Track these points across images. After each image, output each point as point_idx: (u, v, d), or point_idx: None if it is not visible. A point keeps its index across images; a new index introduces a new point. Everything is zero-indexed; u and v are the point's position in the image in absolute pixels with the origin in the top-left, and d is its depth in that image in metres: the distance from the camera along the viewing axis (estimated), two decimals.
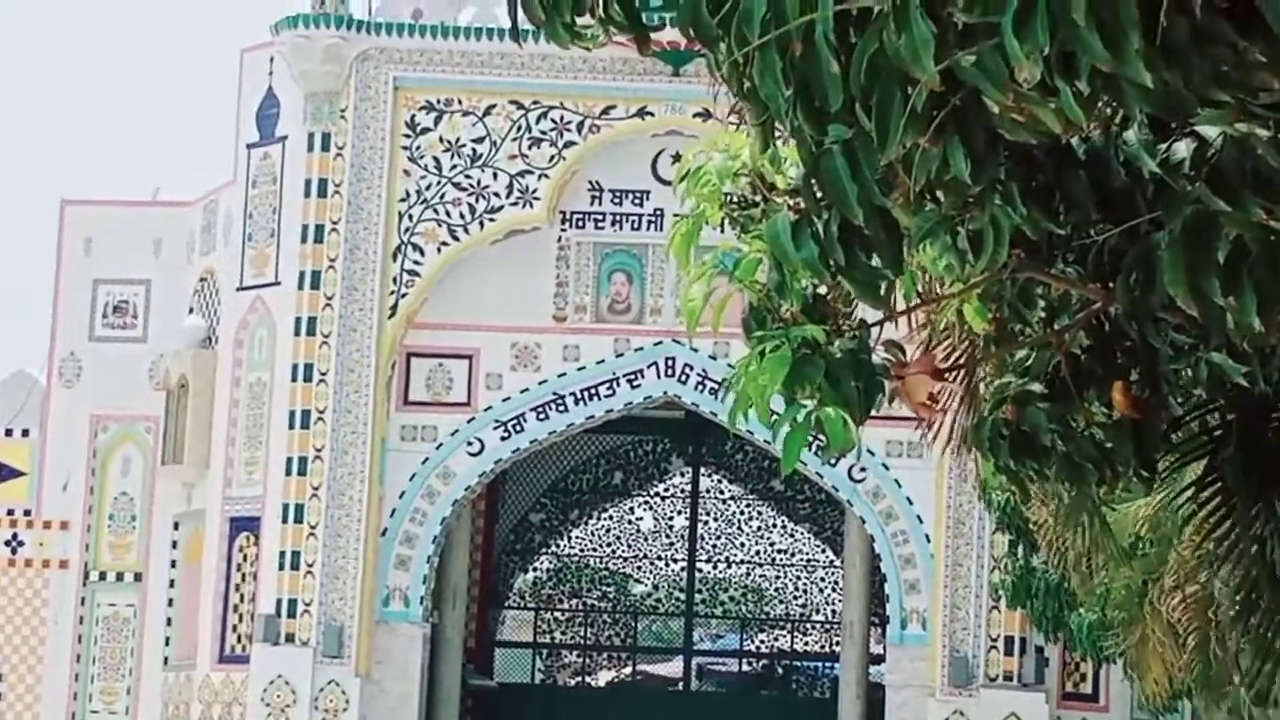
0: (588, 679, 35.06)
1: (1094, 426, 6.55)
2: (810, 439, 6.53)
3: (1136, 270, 5.00)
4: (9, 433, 32.87)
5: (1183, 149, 4.67)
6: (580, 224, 28.24)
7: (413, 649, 28.21)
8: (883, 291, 5.72)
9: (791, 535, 33.85)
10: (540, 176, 27.97)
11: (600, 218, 28.26)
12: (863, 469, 26.23)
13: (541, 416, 28.17)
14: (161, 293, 31.77)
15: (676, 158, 25.43)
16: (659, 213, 27.05)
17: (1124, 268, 5.11)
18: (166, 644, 30.76)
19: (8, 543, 32.52)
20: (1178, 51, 3.60)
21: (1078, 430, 6.54)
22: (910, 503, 27.04)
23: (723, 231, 6.82)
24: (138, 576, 31.69)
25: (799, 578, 34.27)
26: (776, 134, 4.91)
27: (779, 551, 34.18)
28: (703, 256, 6.87)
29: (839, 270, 5.21)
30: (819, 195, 4.78)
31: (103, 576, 32.08)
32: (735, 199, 6.67)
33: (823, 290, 6.32)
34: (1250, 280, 4.70)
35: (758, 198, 6.33)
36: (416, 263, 28.08)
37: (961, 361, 6.89)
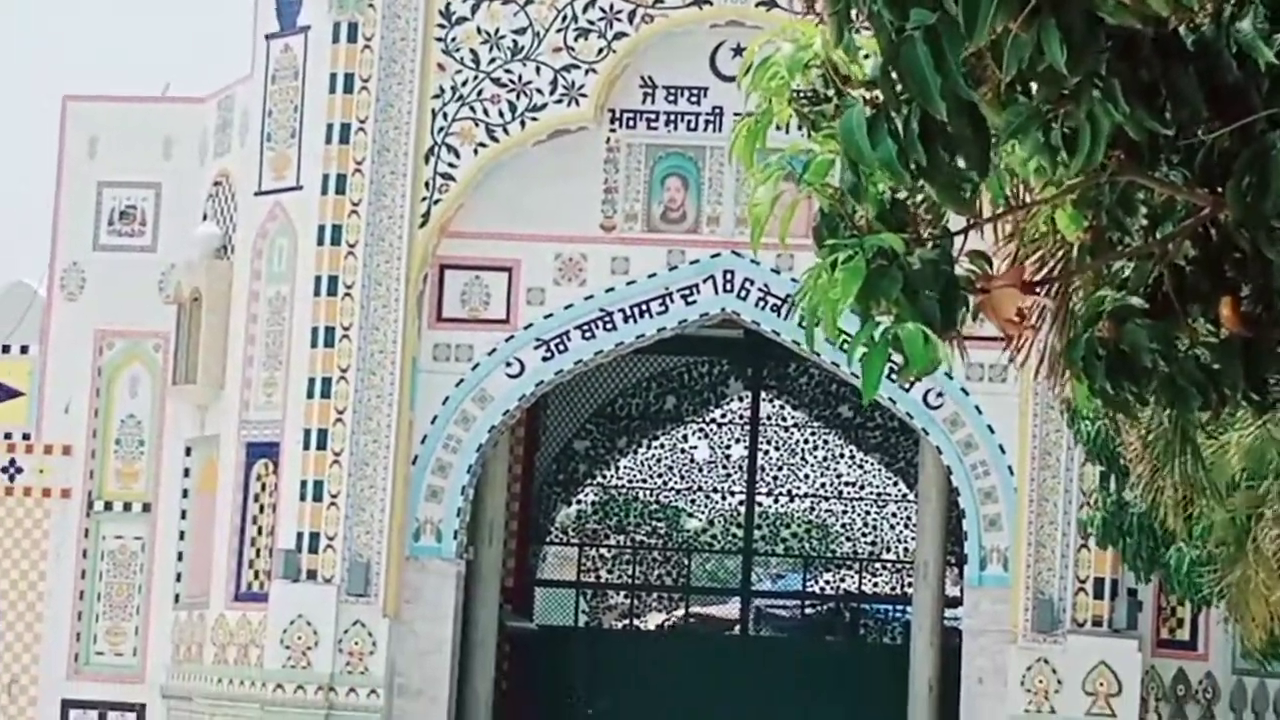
0: (636, 621, 35.07)
1: (1199, 346, 6.53)
2: (886, 360, 6.52)
3: (1250, 174, 4.99)
4: (6, 349, 33.02)
5: None
6: (631, 124, 28.17)
7: (445, 588, 28.29)
8: (968, 195, 5.72)
9: (860, 466, 33.80)
10: (587, 71, 27.93)
11: (653, 117, 28.16)
12: (940, 394, 26.23)
13: (587, 335, 28.14)
14: (172, 198, 31.83)
15: (739, 50, 25.48)
16: (718, 111, 27.00)
17: (1236, 171, 5.09)
18: (177, 580, 30.92)
19: (4, 469, 32.67)
20: None
21: (1181, 350, 6.52)
22: (991, 431, 26.98)
23: (790, 132, 6.81)
24: (146, 507, 31.84)
25: (868, 513, 34.24)
26: (852, 21, 4.89)
27: (846, 484, 34.15)
28: (768, 159, 6.86)
29: (920, 171, 5.20)
30: (898, 88, 4.78)
31: (108, 506, 32.23)
32: (805, 94, 6.65)
33: (901, 195, 6.31)
34: None
35: (830, 92, 6.31)
36: (451, 166, 28.07)
37: (1054, 274, 6.85)
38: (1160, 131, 4.96)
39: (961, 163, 5.18)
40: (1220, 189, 5.27)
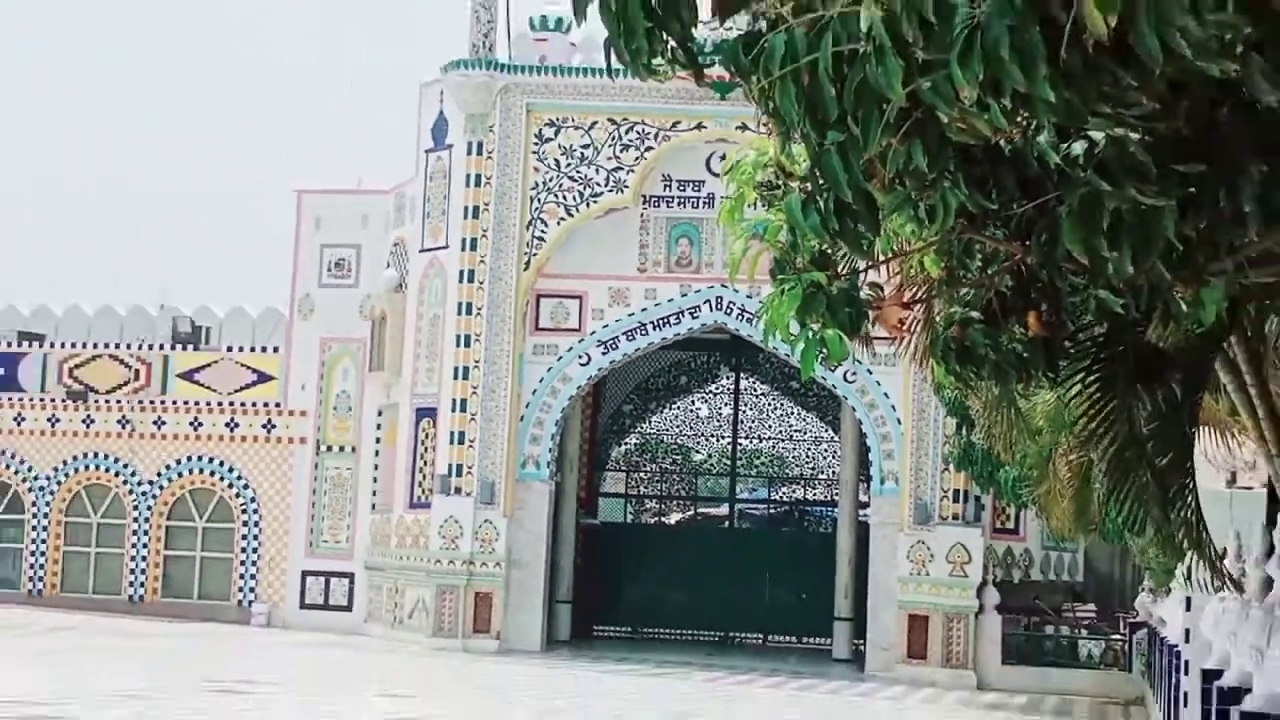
0: (662, 519, 35.21)
1: (1015, 343, 6.54)
2: (817, 352, 6.54)
3: (1045, 233, 4.98)
4: (265, 349, 33.18)
5: (1078, 147, 4.63)
6: (656, 204, 28.28)
7: (542, 499, 28.40)
8: (866, 248, 5.71)
9: (804, 419, 33.86)
10: (628, 171, 27.99)
11: (670, 199, 28.31)
12: (853, 373, 26.22)
13: (630, 338, 28.26)
14: (368, 253, 32.13)
15: (723, 157, 25.41)
16: (711, 195, 26.97)
17: (1036, 232, 5.09)
18: (373, 495, 31.12)
19: (264, 426, 32.88)
20: (1074, 77, 3.57)
21: (1003, 346, 6.52)
22: (887, 397, 27.08)
23: (755, 207, 6.85)
24: (353, 449, 31.99)
25: (809, 449, 34.28)
26: (791, 139, 4.91)
27: (795, 431, 34.21)
28: (742, 224, 6.91)
29: (835, 234, 5.20)
30: (821, 181, 4.79)
31: (329, 449, 32.39)
32: (764, 184, 6.69)
33: (825, 248, 6.32)
34: (1126, 240, 4.69)
35: (779, 183, 6.34)
36: (542, 232, 28.19)
37: (921, 297, 6.87)
38: (988, 207, 4.95)
39: (862, 228, 5.17)
40: (1027, 243, 5.26)
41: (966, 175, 4.68)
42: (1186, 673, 12.90)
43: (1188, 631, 13.42)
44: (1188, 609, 13.80)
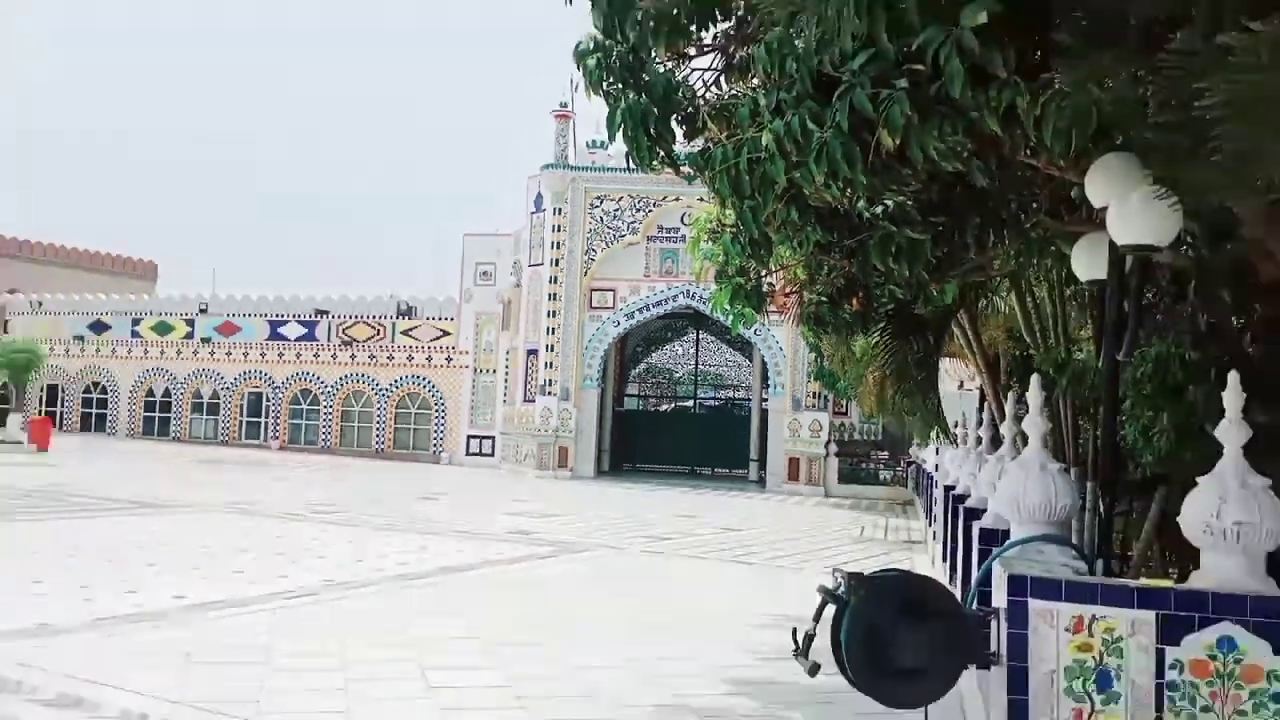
0: (657, 408, 35.09)
1: (846, 314, 6.57)
2: (740, 320, 6.57)
3: (862, 255, 5.02)
4: (446, 318, 33.13)
5: (879, 209, 4.67)
6: (654, 240, 28.09)
7: (594, 397, 28.37)
8: (765, 262, 5.76)
9: (733, 355, 33.70)
10: (639, 223, 27.87)
11: (662, 238, 28.08)
12: (759, 330, 26.20)
13: (641, 312, 28.19)
14: (500, 267, 31.95)
15: (690, 215, 25.42)
16: (683, 236, 26.87)
17: (858, 254, 5.12)
18: (504, 395, 31.13)
19: (446, 359, 32.88)
20: (876, 170, 3.62)
21: (840, 315, 6.55)
22: (777, 341, 26.97)
23: (706, 242, 6.84)
24: (493, 371, 32.02)
25: (735, 370, 34.17)
26: (726, 205, 4.94)
27: (728, 361, 34.10)
28: (700, 252, 6.90)
29: (750, 255, 5.26)
30: (741, 227, 4.82)
31: (481, 371, 32.40)
32: (711, 230, 6.69)
33: (744, 264, 6.35)
34: (904, 258, 4.72)
35: (720, 229, 6.37)
36: (593, 256, 28.08)
37: (795, 290, 6.91)
38: (831, 240, 5.00)
39: (763, 253, 5.23)
40: (852, 259, 5.31)
41: (819, 224, 4.76)
42: (936, 486, 13.04)
43: (937, 465, 13.55)
44: (936, 454, 13.94)
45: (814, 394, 26.91)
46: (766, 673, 6.86)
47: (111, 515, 14.39)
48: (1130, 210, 3.74)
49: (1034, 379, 4.53)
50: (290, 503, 17.20)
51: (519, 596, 9.53)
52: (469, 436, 32.38)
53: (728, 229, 5.85)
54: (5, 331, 37.42)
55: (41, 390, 37.18)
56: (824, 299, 6.43)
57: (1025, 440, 4.54)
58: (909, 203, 4.65)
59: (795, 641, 3.76)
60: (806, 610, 4.19)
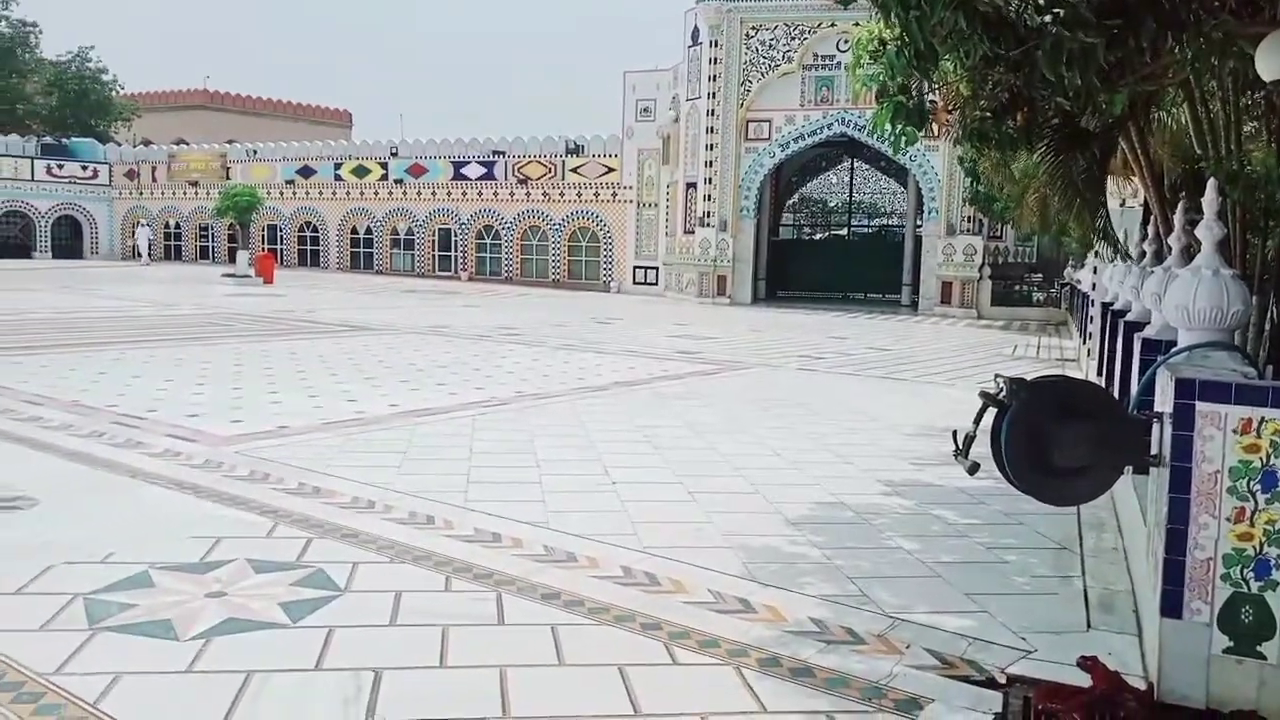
0: (811, 236, 34.27)
1: (1009, 130, 6.18)
2: (903, 139, 6.27)
3: (1029, 66, 4.64)
4: (611, 155, 32.90)
5: (1048, 17, 4.28)
6: (810, 69, 26.71)
7: (750, 226, 27.87)
8: (930, 77, 5.42)
9: (887, 181, 32.28)
10: (794, 52, 26.47)
11: (817, 66, 26.65)
12: (914, 155, 24.99)
13: (796, 142, 27.15)
14: (659, 103, 31.16)
15: (846, 41, 24.05)
16: (840, 63, 25.51)
17: (1024, 65, 4.75)
18: (666, 227, 31.03)
19: (612, 194, 32.86)
20: None
21: (1003, 131, 6.17)
22: (933, 166, 25.66)
23: (869, 64, 6.47)
24: (655, 204, 31.84)
25: (888, 197, 32.83)
26: (890, 18, 4.63)
27: (882, 188, 32.71)
28: (860, 71, 6.54)
29: (913, 69, 4.95)
30: (905, 40, 4.54)
31: (643, 205, 32.25)
32: (871, 50, 6.32)
33: (905, 81, 6.00)
34: (1075, 66, 4.35)
35: (880, 49, 6.00)
36: (749, 87, 27.04)
37: (958, 106, 6.49)
38: (998, 52, 4.63)
39: (928, 66, 4.90)
40: (1019, 72, 4.93)
41: (986, 34, 4.40)
42: (1092, 304, 12.39)
43: (1094, 284, 12.82)
44: (1094, 272, 13.18)
45: (968, 218, 25.65)
46: (920, 477, 6.86)
47: (330, 337, 15.39)
48: None
49: (1210, 184, 4.15)
50: (480, 326, 17.94)
51: (686, 406, 9.75)
52: (634, 267, 32.62)
53: (891, 44, 5.49)
54: (228, 178, 39.61)
55: (263, 230, 39.48)
56: (987, 115, 6.01)
57: (1193, 252, 4.22)
58: (1083, 5, 4.23)
59: (955, 443, 3.72)
60: (959, 421, 4.12)
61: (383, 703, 3.21)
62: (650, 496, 6.07)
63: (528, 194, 34.63)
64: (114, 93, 50.75)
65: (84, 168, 42.54)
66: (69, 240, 42.27)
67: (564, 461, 6.95)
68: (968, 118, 6.15)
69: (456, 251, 36.29)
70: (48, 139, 43.19)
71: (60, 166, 41.93)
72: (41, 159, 41.47)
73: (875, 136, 6.72)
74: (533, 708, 3.21)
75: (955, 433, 3.74)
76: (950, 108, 6.40)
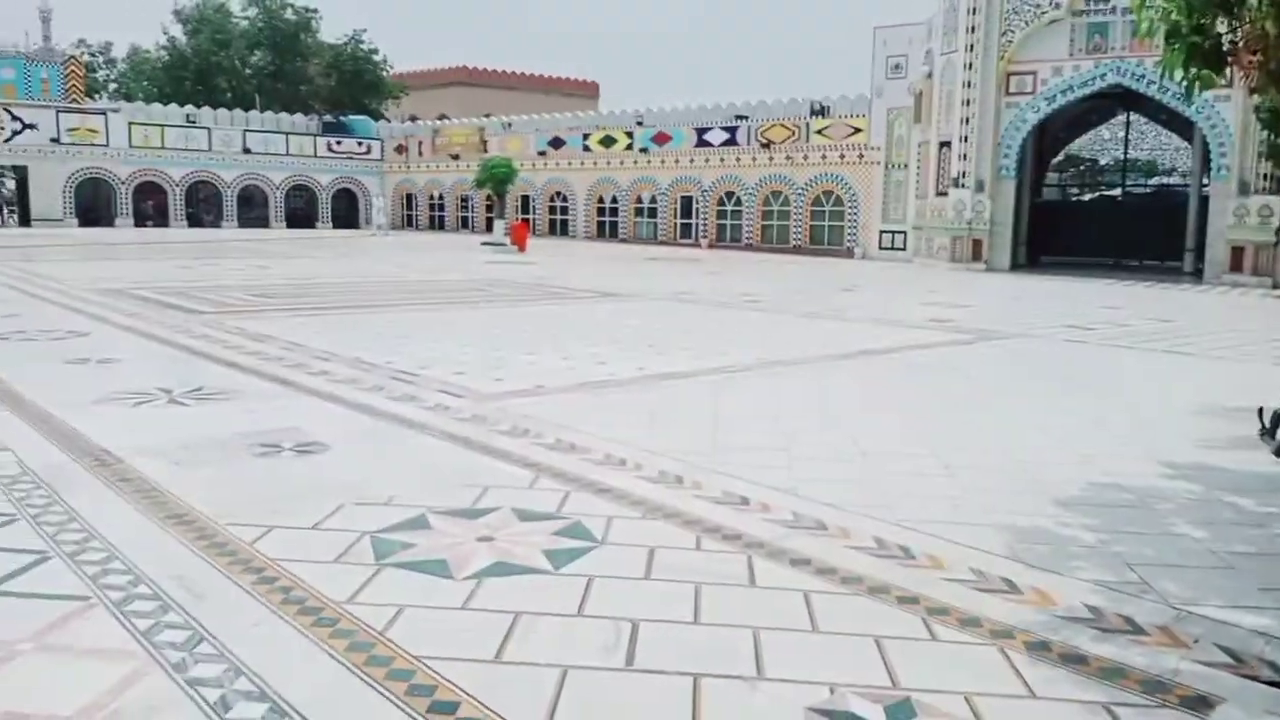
0: (1079, 197, 31.92)
1: None
2: (1197, 84, 5.70)
3: None
4: (858, 115, 31.98)
5: None
6: (1080, 15, 24.71)
7: (1010, 187, 26.25)
8: (1234, 12, 4.88)
9: (1169, 137, 29.41)
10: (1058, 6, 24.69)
11: (1088, 12, 24.61)
12: (1202, 106, 22.58)
13: (1064, 95, 25.20)
14: (912, 58, 29.94)
15: None
16: (1115, 7, 23.48)
17: None
18: (916, 189, 29.89)
19: (859, 156, 31.94)
20: None
21: None
22: (1223, 118, 23.01)
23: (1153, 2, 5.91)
24: (905, 165, 30.68)
25: (1171, 154, 29.91)
26: None
27: (1161, 144, 29.86)
28: (1146, 10, 5.97)
29: (1217, 6, 4.47)
30: None
31: (892, 166, 31.17)
32: None
33: (1203, 21, 5.44)
34: None
35: None
36: (1010, 38, 25.37)
37: (1261, 48, 5.79)
38: None
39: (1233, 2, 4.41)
40: None
41: None
42: None
43: None
44: None
45: (1266, 175, 22.89)
46: (1208, 459, 6.23)
47: (580, 302, 16.04)
48: None
49: None
50: (722, 293, 18.07)
51: (939, 377, 9.39)
52: (881, 231, 31.66)
53: None
54: (485, 150, 41.99)
55: (517, 200, 41.61)
56: None
57: None
58: None
59: (1261, 420, 3.36)
60: (1253, 401, 3.70)
61: (640, 653, 3.33)
62: (902, 468, 5.90)
63: (770, 158, 34.40)
64: (384, 73, 55.00)
65: (359, 144, 46.51)
66: (345, 211, 46.45)
67: (809, 429, 6.89)
68: (1273, 61, 5.47)
69: (697, 219, 36.68)
70: (327, 117, 47.54)
71: (339, 143, 46.06)
72: (323, 136, 45.71)
73: (1160, 86, 6.11)
74: (788, 671, 3.23)
75: (1261, 410, 3.37)
76: (1254, 49, 5.71)
